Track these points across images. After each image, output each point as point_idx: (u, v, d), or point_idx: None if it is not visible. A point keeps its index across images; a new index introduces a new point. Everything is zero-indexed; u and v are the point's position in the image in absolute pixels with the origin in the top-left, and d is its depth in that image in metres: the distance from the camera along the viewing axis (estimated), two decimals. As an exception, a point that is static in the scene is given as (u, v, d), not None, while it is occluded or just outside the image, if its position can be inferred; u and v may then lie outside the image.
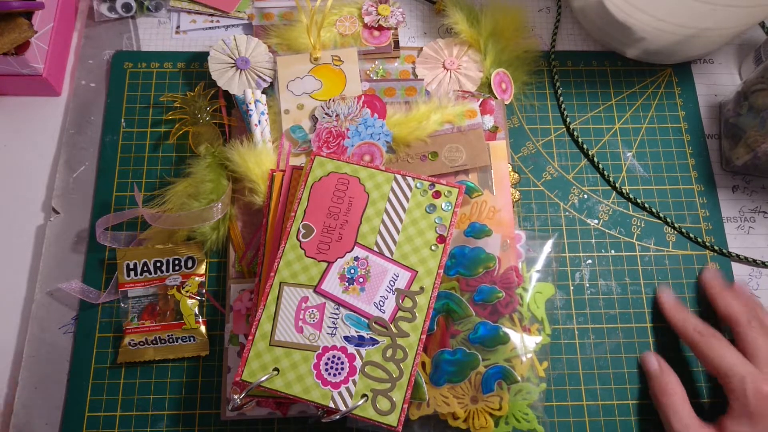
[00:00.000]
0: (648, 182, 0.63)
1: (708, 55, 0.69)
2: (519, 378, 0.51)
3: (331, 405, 0.47)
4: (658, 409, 0.53)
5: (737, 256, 0.61)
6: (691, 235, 0.61)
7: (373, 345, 0.49)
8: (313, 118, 0.60)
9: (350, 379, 0.48)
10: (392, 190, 0.53)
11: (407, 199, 0.53)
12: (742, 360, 0.50)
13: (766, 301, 0.59)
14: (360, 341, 0.49)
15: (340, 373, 0.48)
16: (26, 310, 0.57)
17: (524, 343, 0.52)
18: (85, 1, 0.69)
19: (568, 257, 0.60)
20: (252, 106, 0.60)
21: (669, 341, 0.58)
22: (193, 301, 0.56)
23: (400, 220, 0.52)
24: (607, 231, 0.61)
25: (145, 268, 0.57)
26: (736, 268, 0.61)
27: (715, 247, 0.61)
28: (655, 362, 0.55)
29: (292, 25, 0.64)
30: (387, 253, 0.51)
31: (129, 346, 0.55)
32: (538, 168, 0.63)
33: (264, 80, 0.62)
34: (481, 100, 0.62)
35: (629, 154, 0.64)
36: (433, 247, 0.51)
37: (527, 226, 0.61)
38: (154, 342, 0.55)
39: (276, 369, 0.48)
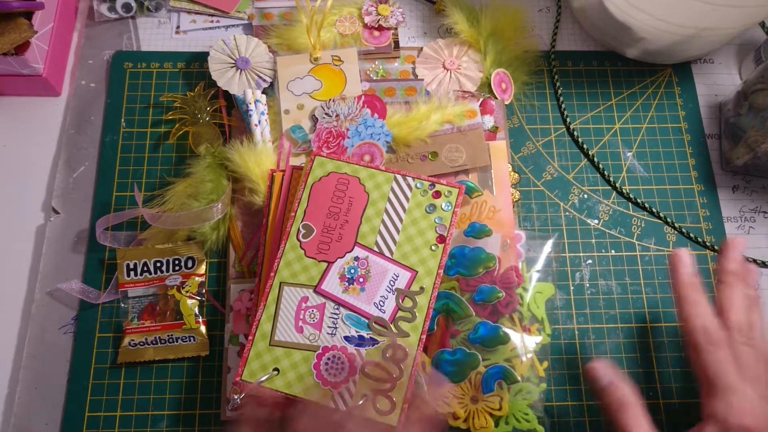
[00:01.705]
0: (648, 182, 0.63)
1: (708, 55, 0.69)
2: (519, 378, 0.51)
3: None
4: (615, 424, 0.46)
5: (737, 256, 0.61)
6: (692, 235, 0.61)
7: (373, 345, 0.49)
8: (313, 118, 0.60)
9: (350, 379, 0.48)
10: (392, 190, 0.53)
11: (407, 199, 0.53)
12: (739, 384, 0.46)
13: (766, 300, 0.59)
14: (360, 341, 0.49)
15: (340, 373, 0.48)
16: (26, 310, 0.57)
17: (524, 343, 0.52)
18: (85, 1, 0.69)
19: (568, 257, 0.60)
20: (252, 106, 0.60)
21: (668, 341, 0.58)
22: (193, 301, 0.56)
23: (400, 220, 0.52)
24: (607, 231, 0.61)
25: (145, 268, 0.57)
26: (736, 268, 0.61)
27: (716, 247, 0.61)
28: (605, 374, 0.48)
29: (292, 25, 0.64)
30: (387, 253, 0.51)
31: (129, 347, 0.55)
32: (538, 168, 0.63)
33: (264, 80, 0.62)
34: (481, 100, 0.62)
35: (629, 154, 0.64)
36: (433, 247, 0.51)
37: (527, 226, 0.61)
38: (154, 342, 0.55)
39: (276, 369, 0.48)
